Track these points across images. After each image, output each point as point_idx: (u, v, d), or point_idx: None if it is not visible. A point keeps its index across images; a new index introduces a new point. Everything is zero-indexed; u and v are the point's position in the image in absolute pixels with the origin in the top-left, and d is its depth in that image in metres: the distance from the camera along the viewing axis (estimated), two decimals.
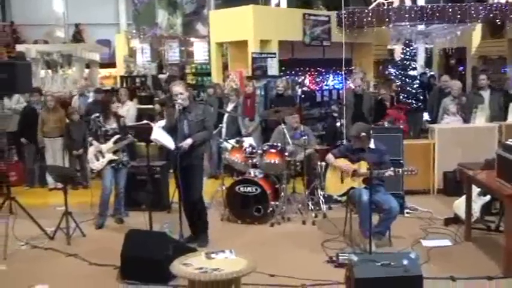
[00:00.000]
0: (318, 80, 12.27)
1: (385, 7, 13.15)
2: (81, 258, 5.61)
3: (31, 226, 6.31)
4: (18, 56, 12.91)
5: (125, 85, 12.95)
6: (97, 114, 6.85)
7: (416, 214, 6.95)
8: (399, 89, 12.25)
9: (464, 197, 6.00)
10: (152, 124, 5.69)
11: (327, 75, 12.44)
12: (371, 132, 5.87)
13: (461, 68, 16.64)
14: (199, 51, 13.91)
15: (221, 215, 6.99)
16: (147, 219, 5.45)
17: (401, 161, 6.86)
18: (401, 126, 7.93)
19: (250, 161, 7.14)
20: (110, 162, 6.66)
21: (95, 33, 20.09)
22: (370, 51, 14.12)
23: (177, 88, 5.76)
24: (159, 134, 5.50)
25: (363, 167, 5.61)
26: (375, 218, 5.59)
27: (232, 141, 7.44)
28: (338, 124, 9.43)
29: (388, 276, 4.21)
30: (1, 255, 5.68)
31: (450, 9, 12.17)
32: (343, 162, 5.83)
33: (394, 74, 13.80)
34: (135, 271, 4.92)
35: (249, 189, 6.72)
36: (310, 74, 12.16)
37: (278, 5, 15.45)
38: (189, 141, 5.62)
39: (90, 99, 10.61)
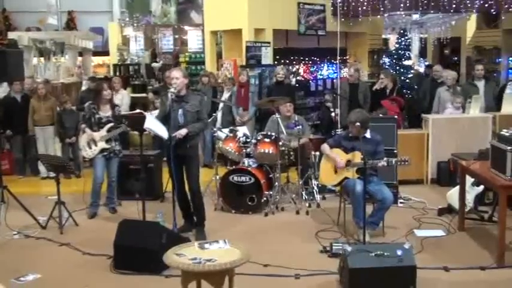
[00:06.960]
0: (312, 69, 12.21)
1: None
2: (74, 248, 5.58)
3: (23, 215, 6.28)
4: (10, 44, 12.73)
5: (118, 74, 12.84)
6: (92, 102, 6.78)
7: (410, 204, 6.96)
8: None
9: (457, 187, 6.01)
10: (145, 113, 5.63)
11: (322, 65, 12.38)
12: (368, 121, 5.80)
13: (455, 58, 16.63)
14: (193, 39, 13.78)
15: (215, 204, 6.97)
16: (140, 209, 5.42)
17: (395, 151, 6.86)
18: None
19: (244, 150, 7.11)
20: (102, 151, 6.60)
21: (88, 21, 19.84)
22: (365, 40, 14.06)
23: (174, 72, 5.71)
24: (153, 123, 5.45)
25: (356, 157, 5.59)
26: (369, 208, 5.58)
27: (226, 131, 7.39)
28: (333, 114, 9.37)
29: (382, 266, 4.22)
30: None
31: None
32: (337, 154, 5.79)
33: (388, 63, 13.77)
34: (128, 261, 4.90)
35: (242, 178, 6.70)
36: (305, 64, 12.09)
37: None
38: (183, 131, 5.55)
39: (84, 87, 10.57)
